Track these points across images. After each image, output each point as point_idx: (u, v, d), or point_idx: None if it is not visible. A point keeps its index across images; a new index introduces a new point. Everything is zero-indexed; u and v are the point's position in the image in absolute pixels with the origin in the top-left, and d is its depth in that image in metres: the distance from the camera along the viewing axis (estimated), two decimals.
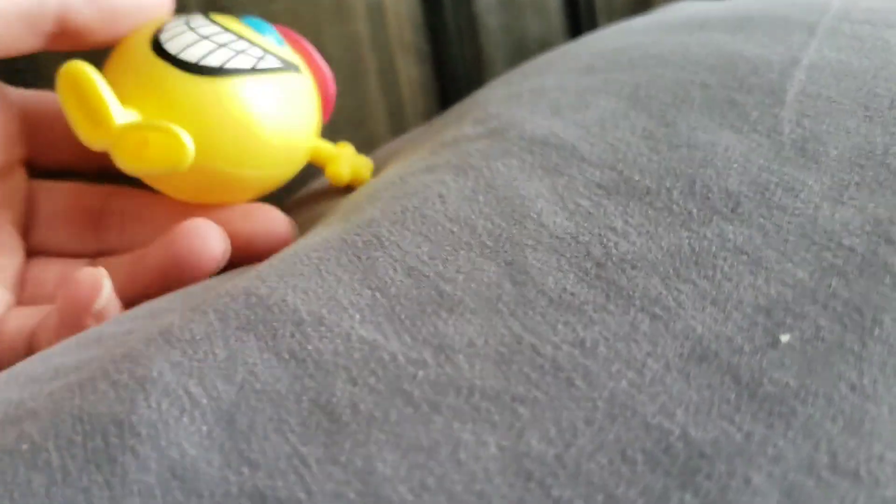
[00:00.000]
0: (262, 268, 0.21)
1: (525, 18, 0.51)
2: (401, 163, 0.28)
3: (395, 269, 0.20)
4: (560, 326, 0.17)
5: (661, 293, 0.17)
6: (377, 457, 0.16)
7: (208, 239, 0.24)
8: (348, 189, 0.29)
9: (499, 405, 0.16)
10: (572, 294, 0.18)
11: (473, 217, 0.21)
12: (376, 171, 0.30)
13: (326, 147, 0.29)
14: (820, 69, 0.22)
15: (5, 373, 0.21)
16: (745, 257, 0.17)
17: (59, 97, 0.24)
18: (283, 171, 0.27)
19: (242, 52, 0.26)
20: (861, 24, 0.25)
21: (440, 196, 0.22)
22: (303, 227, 0.27)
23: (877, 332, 0.16)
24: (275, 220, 0.27)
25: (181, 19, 0.26)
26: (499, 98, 0.28)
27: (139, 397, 0.18)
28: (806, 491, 0.13)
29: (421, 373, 0.17)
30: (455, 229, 0.21)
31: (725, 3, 0.35)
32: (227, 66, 0.25)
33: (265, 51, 0.26)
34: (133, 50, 0.25)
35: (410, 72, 0.49)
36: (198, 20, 0.26)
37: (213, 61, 0.25)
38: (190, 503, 0.16)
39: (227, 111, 0.25)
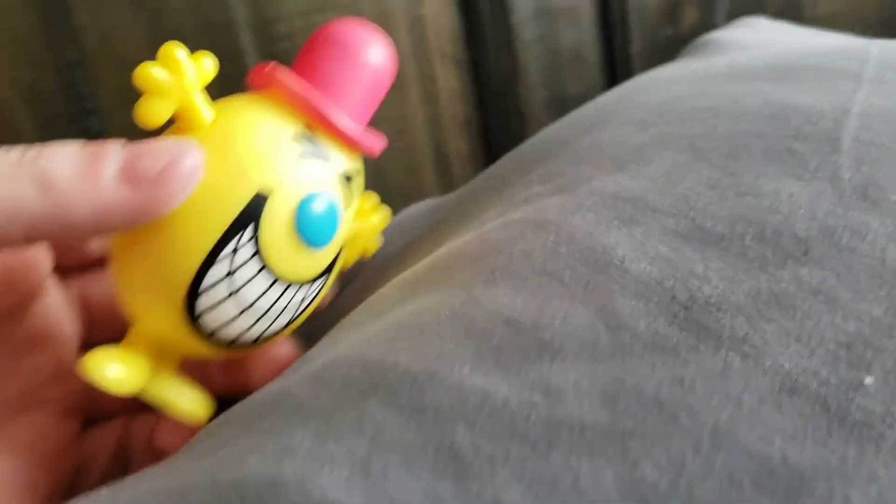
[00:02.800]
0: (369, 336, 0.24)
1: (559, 29, 0.54)
2: (471, 221, 0.30)
3: (493, 322, 0.22)
4: (658, 367, 0.19)
5: (747, 333, 0.19)
6: (504, 491, 0.18)
7: None
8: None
9: (610, 440, 0.18)
10: (665, 337, 0.20)
11: (559, 269, 0.23)
12: (442, 224, 0.32)
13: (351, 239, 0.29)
14: (871, 116, 0.24)
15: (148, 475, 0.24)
16: (821, 297, 0.19)
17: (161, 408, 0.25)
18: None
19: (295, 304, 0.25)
20: None
21: (524, 252, 0.25)
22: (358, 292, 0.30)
23: None
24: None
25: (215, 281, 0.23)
26: (558, 155, 0.30)
27: (285, 462, 0.20)
28: None
29: (533, 415, 0.19)
30: (545, 281, 0.23)
31: (759, 51, 0.37)
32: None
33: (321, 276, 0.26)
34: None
35: (449, 81, 0.51)
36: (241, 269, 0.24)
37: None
38: None
39: None
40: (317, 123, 0.24)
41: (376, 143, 0.26)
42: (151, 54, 0.22)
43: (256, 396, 0.24)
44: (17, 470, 0.24)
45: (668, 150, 0.26)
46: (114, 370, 0.23)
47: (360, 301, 0.30)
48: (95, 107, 0.43)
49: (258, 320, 0.24)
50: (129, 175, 0.21)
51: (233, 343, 0.24)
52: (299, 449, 0.20)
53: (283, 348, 0.29)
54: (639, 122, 0.29)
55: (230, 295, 0.23)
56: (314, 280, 0.26)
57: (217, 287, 0.23)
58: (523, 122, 0.53)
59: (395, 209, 0.37)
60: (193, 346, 0.24)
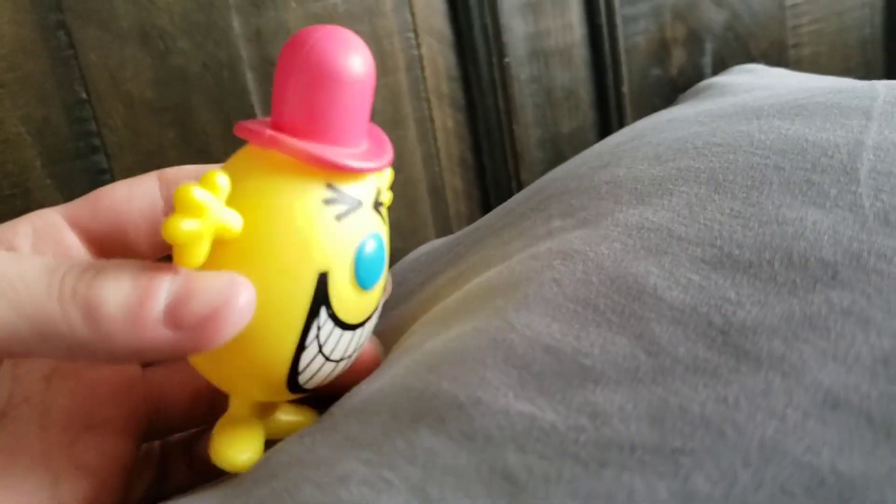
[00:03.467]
0: (408, 367, 0.24)
1: (552, 69, 0.55)
2: (494, 255, 0.31)
3: (532, 349, 0.23)
4: (701, 388, 0.20)
5: (785, 353, 0.20)
6: None
7: None
8: None
9: (661, 457, 0.19)
10: (705, 360, 0.21)
11: (592, 297, 0.24)
12: (461, 260, 0.33)
13: None
14: (885, 150, 0.25)
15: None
16: (853, 318, 0.20)
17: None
18: None
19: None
20: None
21: (555, 280, 0.25)
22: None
23: None
24: None
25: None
26: (575, 191, 0.31)
27: (342, 491, 0.20)
28: None
29: (582, 437, 0.20)
30: (579, 309, 0.24)
31: (766, 91, 0.38)
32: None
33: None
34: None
35: (446, 120, 0.53)
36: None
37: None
38: None
39: None
40: (334, 175, 0.23)
41: (386, 154, 0.25)
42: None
43: (304, 432, 0.25)
44: (81, 490, 0.24)
45: (688, 184, 0.27)
46: (244, 457, 0.24)
47: (385, 339, 0.30)
48: (102, 144, 0.43)
49: (340, 362, 0.25)
50: (175, 318, 0.21)
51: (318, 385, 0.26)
52: (354, 476, 0.21)
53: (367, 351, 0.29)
54: (655, 158, 0.30)
55: (323, 364, 0.25)
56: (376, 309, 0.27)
57: (312, 363, 0.24)
58: (518, 160, 0.55)
59: (394, 242, 0.38)
60: (287, 397, 0.26)
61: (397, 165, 0.52)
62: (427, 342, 0.25)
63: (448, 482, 0.20)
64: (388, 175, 0.27)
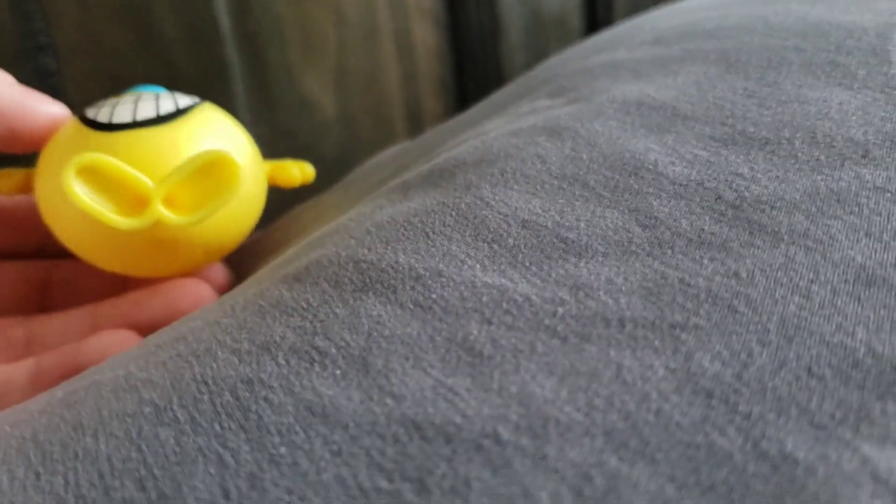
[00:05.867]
0: (358, 238, 0.21)
1: None
2: (471, 130, 0.27)
3: (508, 224, 0.20)
4: (706, 262, 0.17)
5: (808, 228, 0.17)
6: (532, 383, 0.15)
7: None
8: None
9: (657, 333, 0.15)
10: (712, 234, 0.17)
11: (582, 173, 0.21)
12: (431, 142, 0.29)
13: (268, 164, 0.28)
14: None
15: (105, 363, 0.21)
16: (888, 195, 0.17)
17: (71, 198, 0.22)
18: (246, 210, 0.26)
19: (159, 98, 0.25)
20: None
21: (538, 157, 0.22)
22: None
23: None
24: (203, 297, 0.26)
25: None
26: (568, 73, 0.28)
27: (265, 358, 0.17)
28: None
29: (560, 309, 0.17)
30: (564, 185, 0.21)
31: None
32: (161, 112, 0.24)
33: (173, 95, 0.25)
34: (69, 136, 0.24)
35: (426, 37, 0.49)
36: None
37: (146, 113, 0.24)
38: (335, 434, 0.15)
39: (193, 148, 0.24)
40: None
41: None
42: None
43: (224, 297, 0.21)
44: None
45: (696, 64, 0.24)
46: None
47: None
48: (51, 43, 0.39)
49: None
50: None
51: None
52: (281, 344, 0.18)
53: (216, 273, 0.27)
54: (658, 41, 0.27)
55: None
56: None
57: None
58: (502, 84, 0.51)
59: (365, 161, 0.35)
60: None
61: (370, 82, 0.48)
62: (381, 212, 0.22)
63: (395, 351, 0.17)
64: None
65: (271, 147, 0.28)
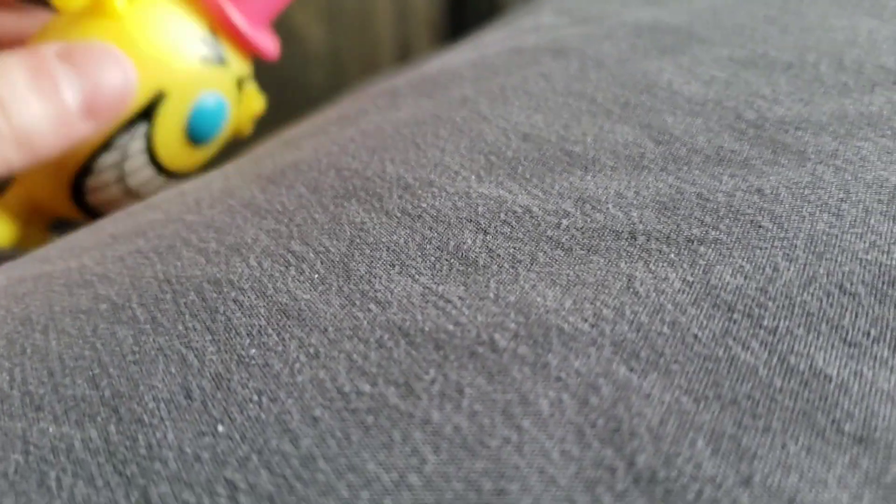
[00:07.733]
0: (340, 145, 0.19)
1: None
2: (467, 46, 0.26)
3: (507, 137, 0.18)
4: (726, 178, 0.15)
5: (837, 149, 0.15)
6: (532, 293, 0.14)
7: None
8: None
9: (672, 246, 0.14)
10: (732, 151, 0.16)
11: (589, 90, 0.19)
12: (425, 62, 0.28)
13: None
14: None
15: (54, 244, 0.19)
16: None
17: None
18: None
19: None
20: None
21: (542, 75, 0.21)
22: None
23: None
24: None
25: None
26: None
27: (236, 260, 0.16)
28: None
29: (565, 221, 0.15)
30: (570, 101, 0.19)
31: None
32: None
33: None
34: None
35: (422, 4, 0.48)
36: None
37: None
38: (312, 337, 0.14)
39: None
40: (220, 26, 0.24)
41: (272, 47, 0.25)
42: None
43: (186, 189, 0.20)
44: None
45: None
46: None
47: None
48: None
49: (134, 192, 0.24)
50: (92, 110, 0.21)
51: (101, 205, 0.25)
52: (254, 247, 0.16)
53: None
54: None
55: (117, 180, 0.23)
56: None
57: (106, 172, 0.23)
58: None
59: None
60: (71, 214, 0.25)
61: (361, 24, 0.46)
62: (366, 118, 0.20)
63: (380, 258, 0.15)
64: (251, 77, 0.26)
65: (255, 77, 0.27)
